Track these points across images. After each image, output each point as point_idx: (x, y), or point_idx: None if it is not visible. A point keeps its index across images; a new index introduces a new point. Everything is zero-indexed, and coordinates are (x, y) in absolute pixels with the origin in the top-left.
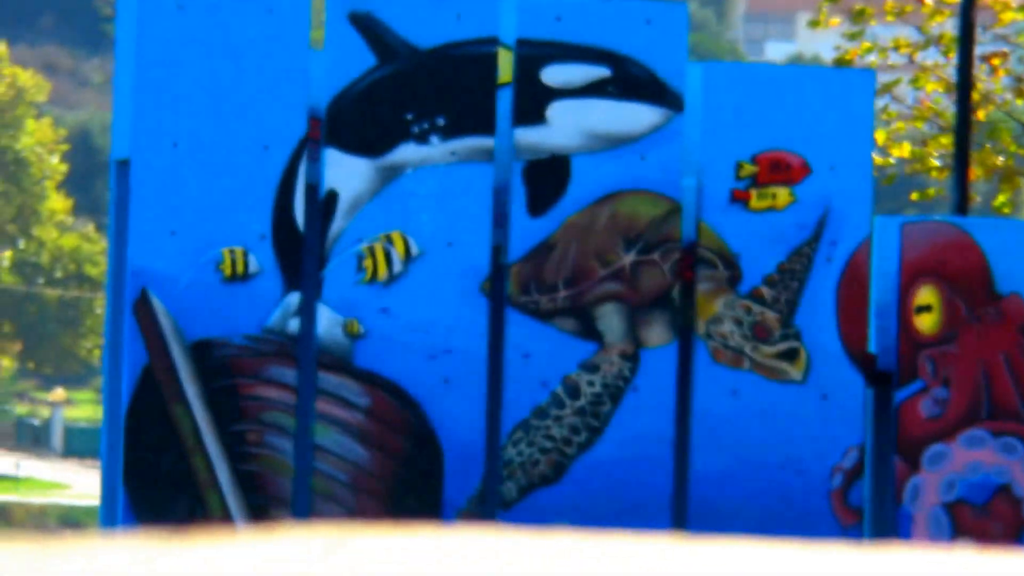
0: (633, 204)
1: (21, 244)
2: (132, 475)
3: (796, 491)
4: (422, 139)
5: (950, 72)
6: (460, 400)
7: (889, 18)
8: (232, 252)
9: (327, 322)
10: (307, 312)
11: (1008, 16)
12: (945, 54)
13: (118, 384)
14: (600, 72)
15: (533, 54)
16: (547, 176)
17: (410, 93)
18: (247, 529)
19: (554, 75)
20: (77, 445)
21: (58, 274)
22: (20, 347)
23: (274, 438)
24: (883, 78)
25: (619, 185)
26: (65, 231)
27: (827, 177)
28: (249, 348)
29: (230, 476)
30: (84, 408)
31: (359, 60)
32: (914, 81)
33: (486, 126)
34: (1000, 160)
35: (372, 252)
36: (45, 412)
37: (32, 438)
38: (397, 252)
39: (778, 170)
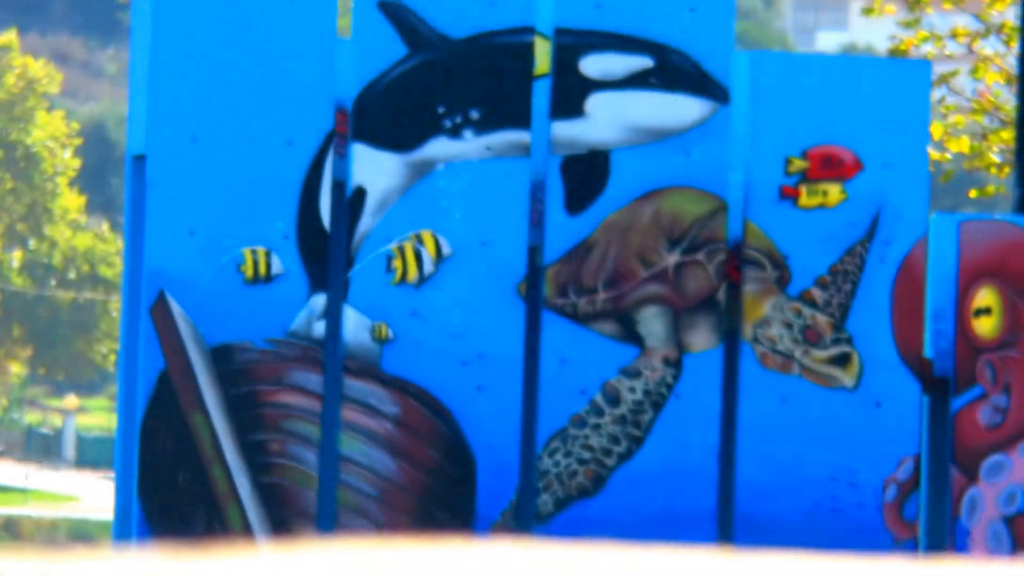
0: (676, 201)
1: (32, 244)
2: (147, 487)
3: (847, 504)
4: (454, 133)
5: (1011, 62)
6: (494, 408)
7: (947, 5)
8: (254, 252)
9: (354, 326)
10: (333, 315)
11: None
12: (1006, 43)
13: (133, 391)
14: (642, 62)
15: (571, 43)
16: (586, 172)
17: (442, 85)
18: (268, 544)
19: (593, 66)
20: (90, 455)
21: (71, 275)
22: (31, 352)
23: (297, 448)
24: (940, 69)
25: (662, 182)
26: (78, 230)
27: (881, 173)
28: (272, 353)
29: (251, 488)
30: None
31: (388, 50)
32: (973, 72)
33: (522, 119)
34: None
35: (402, 252)
36: (57, 420)
37: (43, 448)
38: (428, 252)
39: (829, 166)
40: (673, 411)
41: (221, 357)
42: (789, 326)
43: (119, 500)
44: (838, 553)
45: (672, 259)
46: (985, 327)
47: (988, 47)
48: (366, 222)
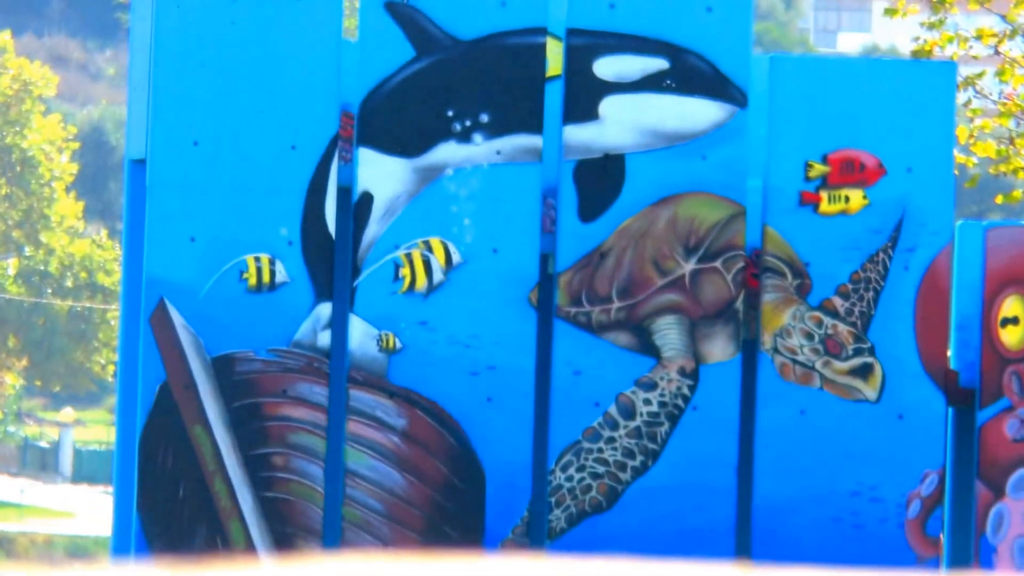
0: (693, 207)
1: (28, 251)
2: (147, 502)
3: (869, 519)
4: (464, 137)
5: None
6: (505, 421)
7: (972, 6)
8: (257, 260)
9: (360, 336)
10: (339, 325)
11: None
12: None
13: (132, 403)
14: (657, 64)
15: (585, 45)
16: (600, 177)
17: (451, 87)
18: (272, 561)
19: (607, 68)
20: (88, 469)
21: (68, 284)
22: (26, 363)
23: (302, 462)
24: (965, 71)
25: (678, 187)
26: (75, 237)
27: (904, 178)
28: (275, 364)
29: (253, 503)
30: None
31: (396, 52)
32: (999, 74)
33: (533, 123)
34: None
35: (410, 260)
36: (53, 434)
37: (39, 462)
38: (437, 260)
39: (851, 171)
40: (690, 424)
41: (223, 368)
42: (809, 336)
43: (117, 516)
44: (859, 570)
45: (689, 267)
46: (1012, 337)
47: (1015, 49)
48: (373, 229)
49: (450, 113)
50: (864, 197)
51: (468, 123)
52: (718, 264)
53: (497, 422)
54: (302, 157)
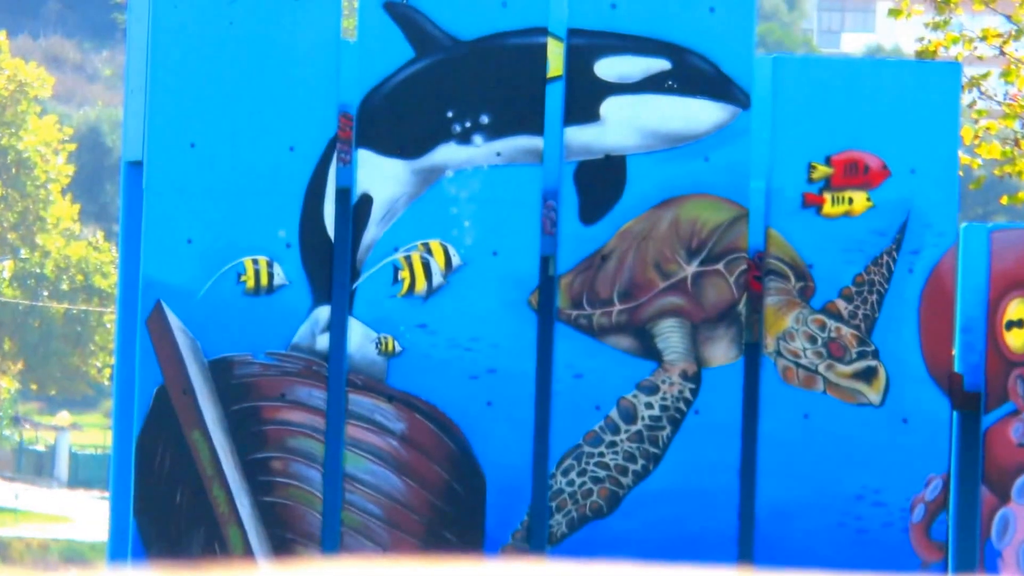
0: (695, 209)
1: (23, 253)
2: (144, 507)
3: (873, 524)
4: (464, 139)
5: None
6: (505, 425)
7: (977, 6)
8: (255, 262)
9: (359, 339)
10: (337, 328)
11: None
12: None
13: (129, 407)
14: (659, 65)
15: (586, 45)
16: (601, 179)
17: (451, 88)
18: (270, 566)
19: (609, 68)
20: (84, 474)
21: (64, 286)
22: (22, 366)
23: (300, 467)
24: (970, 71)
25: (680, 189)
26: (71, 239)
27: (908, 180)
28: (274, 367)
29: (251, 508)
30: (92, 433)
31: (395, 52)
32: (1005, 75)
33: (534, 124)
34: None
35: (409, 262)
36: (49, 438)
37: (35, 466)
38: (436, 262)
39: (855, 172)
40: (692, 428)
41: (221, 371)
42: (812, 339)
43: (114, 521)
44: (863, 575)
45: (691, 269)
46: (1018, 340)
47: (1020, 49)
48: (372, 231)
49: (450, 114)
50: (868, 199)
51: (468, 124)
52: (720, 267)
53: (497, 426)
54: (300, 159)
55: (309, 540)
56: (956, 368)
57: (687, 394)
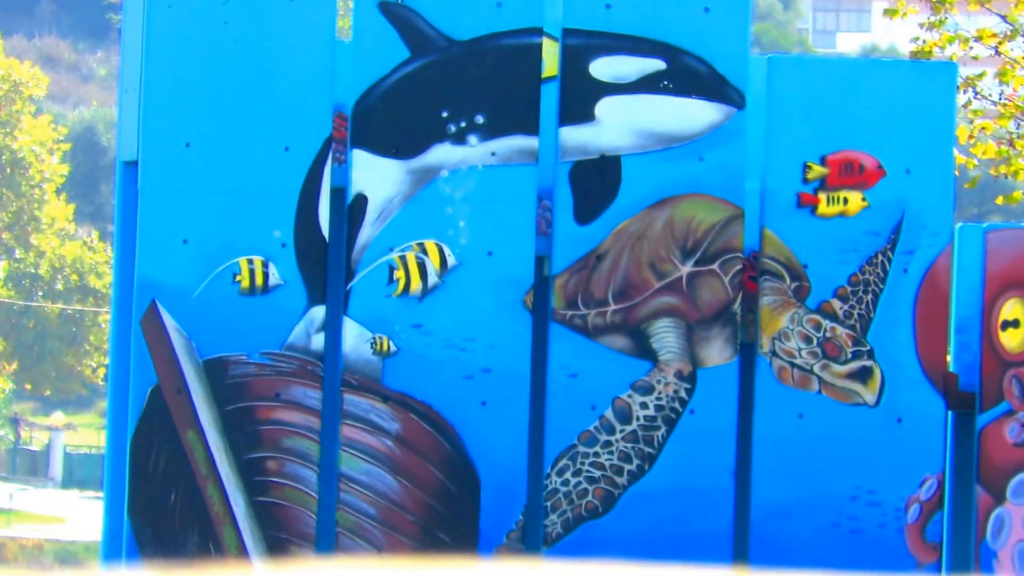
0: (690, 209)
1: (18, 253)
2: (138, 508)
3: (868, 524)
4: (459, 139)
5: None
6: (500, 425)
7: (972, 6)
8: (250, 262)
9: (354, 339)
10: (332, 328)
11: None
12: None
13: (124, 407)
14: (654, 65)
15: (581, 46)
16: (596, 179)
17: (446, 88)
18: (264, 567)
19: (604, 68)
20: (78, 474)
21: (58, 286)
22: (16, 367)
23: (295, 467)
24: (966, 71)
25: (675, 189)
26: (66, 239)
27: (904, 180)
28: (268, 367)
29: (246, 509)
30: (86, 434)
31: (390, 52)
32: (1000, 75)
33: (529, 124)
34: None
35: (404, 262)
36: (43, 438)
37: (29, 466)
38: (431, 262)
39: (850, 172)
40: (687, 428)
41: (215, 371)
42: (808, 339)
43: (108, 521)
44: (857, 575)
45: (686, 269)
46: (1013, 340)
47: (1016, 49)
48: (367, 231)
49: (445, 114)
50: (863, 199)
51: (463, 124)
52: (715, 267)
53: (492, 426)
54: (295, 159)
55: (304, 540)
56: (951, 368)
57: (682, 394)
